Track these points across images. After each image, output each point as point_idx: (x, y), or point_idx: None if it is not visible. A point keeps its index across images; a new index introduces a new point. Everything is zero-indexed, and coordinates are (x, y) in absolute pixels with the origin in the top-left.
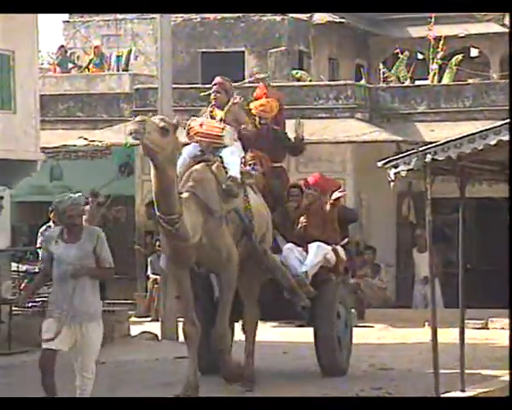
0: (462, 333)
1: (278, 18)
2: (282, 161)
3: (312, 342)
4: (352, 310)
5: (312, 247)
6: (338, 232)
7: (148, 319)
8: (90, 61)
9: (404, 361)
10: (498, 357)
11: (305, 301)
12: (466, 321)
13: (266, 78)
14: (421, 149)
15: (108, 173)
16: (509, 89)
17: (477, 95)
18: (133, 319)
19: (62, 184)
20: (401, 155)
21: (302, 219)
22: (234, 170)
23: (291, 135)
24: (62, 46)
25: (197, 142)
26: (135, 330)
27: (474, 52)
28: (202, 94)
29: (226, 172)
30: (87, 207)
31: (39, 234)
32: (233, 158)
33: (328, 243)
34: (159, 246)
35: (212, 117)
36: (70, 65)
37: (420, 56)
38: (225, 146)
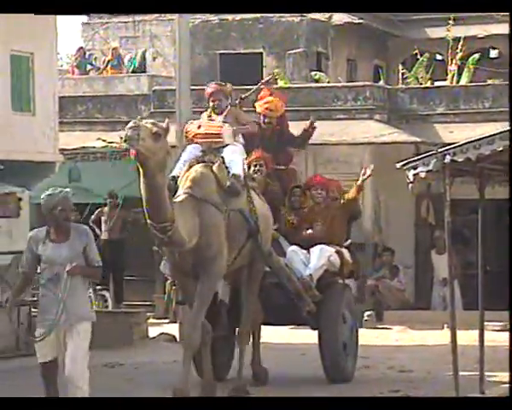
0: (481, 335)
1: (297, 19)
2: (288, 163)
3: None
4: (370, 312)
5: (315, 250)
6: (345, 233)
7: (167, 320)
8: (108, 62)
9: (422, 364)
10: None
11: (311, 306)
12: (485, 323)
13: (272, 79)
14: (440, 150)
15: (127, 175)
16: (509, 89)
17: (496, 96)
18: (152, 320)
19: (81, 185)
20: (420, 157)
21: (308, 220)
22: (236, 168)
23: (296, 131)
24: (81, 48)
25: (196, 143)
26: (153, 331)
27: (493, 53)
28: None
29: (228, 172)
30: (105, 209)
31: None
32: (235, 156)
33: (333, 245)
34: None
35: (211, 120)
36: (88, 67)
37: (439, 57)
38: (226, 145)
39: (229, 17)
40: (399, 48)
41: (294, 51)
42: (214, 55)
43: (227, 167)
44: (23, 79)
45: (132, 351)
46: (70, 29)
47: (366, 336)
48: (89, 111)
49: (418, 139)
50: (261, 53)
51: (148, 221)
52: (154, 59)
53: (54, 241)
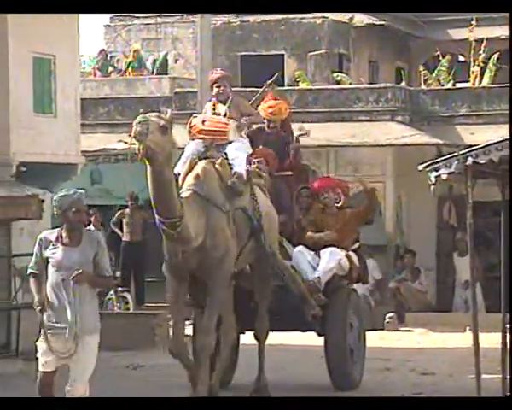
0: (503, 338)
1: (318, 21)
2: (295, 167)
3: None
4: (392, 314)
5: (326, 252)
6: (355, 237)
7: (188, 322)
8: (129, 64)
9: (444, 366)
10: None
11: (316, 310)
12: (507, 325)
13: (275, 80)
14: (462, 152)
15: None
16: (509, 89)
17: None
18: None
19: (102, 187)
20: (442, 159)
21: (317, 223)
22: (239, 166)
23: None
24: (103, 50)
25: (200, 139)
26: None
27: None
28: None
29: (231, 169)
30: (127, 211)
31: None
32: (238, 153)
33: (342, 248)
34: None
35: (215, 113)
36: (110, 69)
37: (461, 59)
38: (230, 142)
39: (251, 19)
40: (421, 49)
41: (316, 53)
42: (235, 56)
43: (230, 164)
44: (45, 82)
45: (154, 353)
46: (92, 31)
47: (388, 339)
48: (110, 113)
49: (440, 141)
50: (282, 55)
51: (157, 217)
52: (176, 61)
53: (65, 244)
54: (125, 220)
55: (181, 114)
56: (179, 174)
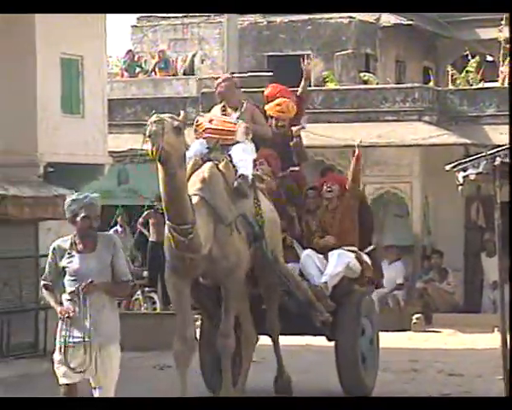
0: None
1: (345, 21)
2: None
3: (384, 347)
4: (419, 315)
5: (333, 255)
6: (357, 232)
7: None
8: (156, 64)
9: (473, 367)
10: None
11: (325, 316)
12: None
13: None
14: (490, 152)
15: None
16: (509, 90)
17: None
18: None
19: (129, 187)
20: (470, 159)
21: (323, 221)
22: (245, 168)
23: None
24: (130, 51)
25: (205, 138)
26: None
27: None
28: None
29: (236, 171)
30: (153, 211)
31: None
32: (244, 155)
33: (350, 247)
34: None
35: (224, 115)
36: (137, 69)
37: (489, 58)
38: (236, 143)
39: (278, 19)
40: (449, 49)
41: (343, 53)
42: (262, 57)
43: (234, 166)
44: (73, 82)
45: None
46: (119, 32)
47: (415, 340)
48: (137, 113)
49: (468, 141)
50: (309, 55)
51: (168, 223)
52: (203, 61)
53: (80, 252)
54: (151, 221)
55: None
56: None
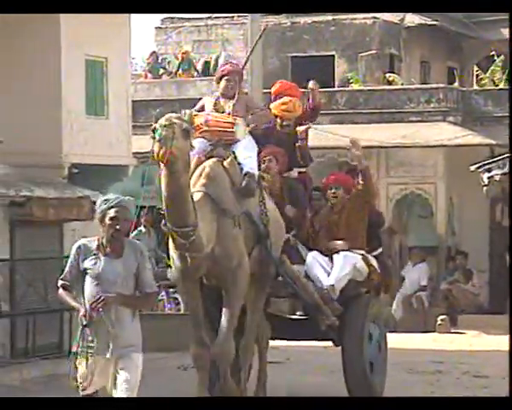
0: None
1: (369, 21)
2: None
3: (404, 348)
4: (444, 316)
5: (338, 257)
6: (365, 228)
7: None
8: (179, 66)
9: (498, 369)
10: None
11: (331, 320)
12: None
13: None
14: None
15: None
16: (509, 90)
17: None
18: None
19: (153, 188)
20: (495, 159)
21: (328, 224)
22: (250, 166)
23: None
24: (154, 52)
25: (204, 138)
26: None
27: None
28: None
29: (241, 169)
30: None
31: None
32: (248, 153)
33: (357, 249)
34: None
35: (217, 109)
36: (161, 71)
37: None
38: (237, 140)
39: (301, 20)
40: (474, 49)
41: (367, 53)
42: (286, 57)
43: (239, 164)
44: (97, 84)
45: None
46: (144, 34)
47: (440, 341)
48: (161, 115)
49: (493, 141)
50: (333, 55)
51: (169, 225)
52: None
53: (107, 255)
54: None
55: None
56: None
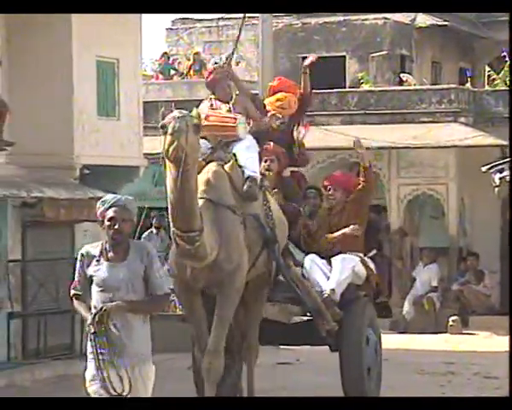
0: None
1: (380, 22)
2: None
3: (415, 349)
4: (455, 317)
5: (337, 260)
6: (363, 237)
7: None
8: (190, 66)
9: (509, 370)
10: None
11: (331, 324)
12: None
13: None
14: None
15: None
16: (510, 90)
17: None
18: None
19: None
20: (506, 160)
21: (324, 226)
22: (252, 169)
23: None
24: (165, 53)
25: (204, 137)
26: None
27: None
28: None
29: (243, 172)
30: None
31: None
32: (250, 154)
33: (355, 253)
34: None
35: (214, 109)
36: (172, 71)
37: None
38: (238, 139)
39: (312, 21)
40: (485, 49)
41: (378, 54)
42: (297, 58)
43: (240, 166)
44: (108, 85)
45: None
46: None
47: (451, 342)
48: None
49: (504, 142)
50: (344, 56)
51: (174, 229)
52: (238, 63)
53: (110, 260)
54: None
55: None
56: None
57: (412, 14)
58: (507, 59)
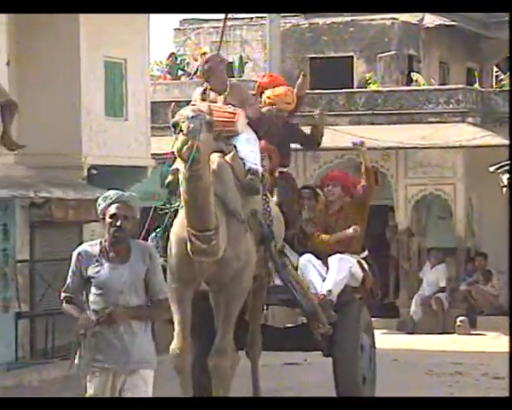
0: None
1: (388, 22)
2: (288, 165)
3: (423, 350)
4: (463, 318)
5: (333, 260)
6: (363, 237)
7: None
8: (198, 67)
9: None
10: None
11: (326, 328)
12: None
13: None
14: None
15: None
16: (510, 90)
17: None
18: None
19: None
20: None
21: (322, 225)
22: (253, 161)
23: (306, 129)
24: (173, 53)
25: None
26: None
27: None
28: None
29: (244, 164)
30: None
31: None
32: (250, 147)
33: (351, 254)
34: None
35: (204, 100)
36: (180, 72)
37: None
38: (238, 133)
39: (320, 21)
40: (493, 50)
41: (385, 54)
42: (304, 59)
43: (241, 159)
44: (116, 85)
45: None
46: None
47: (459, 343)
48: (178, 109)
49: None
50: (352, 56)
51: (188, 229)
52: (245, 64)
53: (111, 260)
54: None
55: None
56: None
57: (420, 15)
58: None
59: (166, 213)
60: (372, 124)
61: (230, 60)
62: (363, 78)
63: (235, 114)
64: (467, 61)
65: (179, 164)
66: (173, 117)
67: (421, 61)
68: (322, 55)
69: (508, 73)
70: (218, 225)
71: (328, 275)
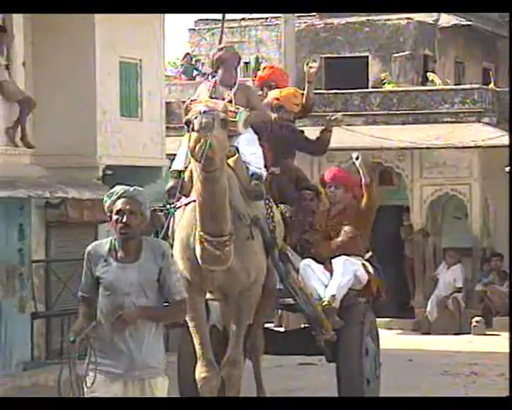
0: None
1: (403, 22)
2: (287, 169)
3: (439, 350)
4: (479, 318)
5: (338, 263)
6: (368, 240)
7: (271, 325)
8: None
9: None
10: None
11: (330, 334)
12: None
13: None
14: None
15: None
16: (510, 90)
17: None
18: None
19: None
20: None
21: (325, 229)
22: (256, 165)
23: (312, 135)
24: (188, 54)
25: None
26: None
27: None
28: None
29: (247, 168)
30: None
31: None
32: (252, 149)
33: (356, 256)
34: None
35: (212, 97)
36: (195, 72)
37: None
38: (238, 133)
39: (335, 21)
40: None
41: (401, 54)
42: (319, 59)
43: (244, 162)
44: (131, 85)
45: None
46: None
47: (475, 343)
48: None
49: None
50: (367, 56)
51: (201, 234)
52: (260, 63)
53: (119, 260)
54: None
55: None
56: (180, 172)
57: (435, 14)
58: None
59: (166, 215)
60: (387, 124)
61: (247, 60)
62: (378, 78)
63: (235, 112)
64: (482, 60)
65: (184, 164)
66: (187, 115)
67: (436, 60)
68: (337, 55)
69: None
70: (233, 229)
71: (333, 278)
